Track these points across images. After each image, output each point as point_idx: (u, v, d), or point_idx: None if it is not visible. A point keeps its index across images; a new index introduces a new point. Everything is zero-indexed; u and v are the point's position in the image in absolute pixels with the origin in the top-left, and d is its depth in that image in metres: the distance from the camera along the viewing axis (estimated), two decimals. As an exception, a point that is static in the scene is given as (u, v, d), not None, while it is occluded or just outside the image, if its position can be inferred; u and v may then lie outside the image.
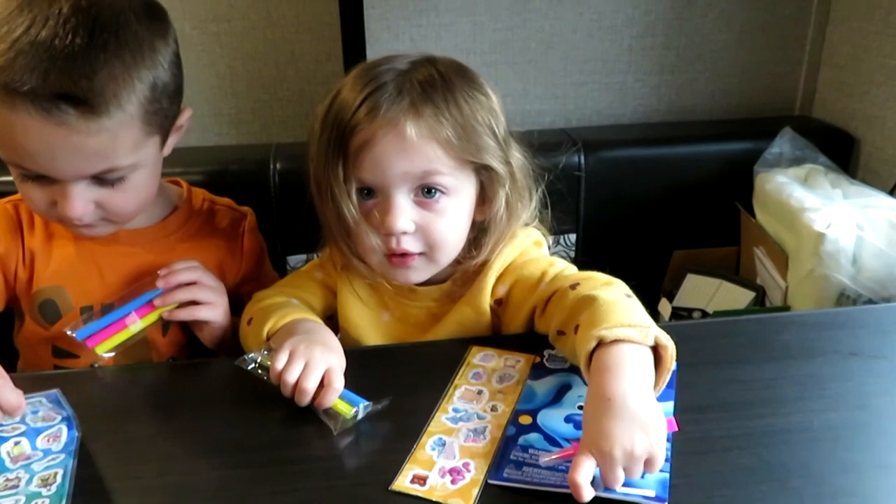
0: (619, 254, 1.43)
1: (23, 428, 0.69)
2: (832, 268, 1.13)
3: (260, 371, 0.76)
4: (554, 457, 0.64)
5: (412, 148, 0.77)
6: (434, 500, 0.62)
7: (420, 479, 0.65)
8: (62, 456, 0.69)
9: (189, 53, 1.52)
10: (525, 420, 0.70)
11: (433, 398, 0.75)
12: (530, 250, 0.90)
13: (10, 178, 0.84)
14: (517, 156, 0.86)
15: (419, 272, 0.85)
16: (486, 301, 0.87)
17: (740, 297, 1.30)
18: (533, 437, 0.68)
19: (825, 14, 1.49)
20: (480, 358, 0.83)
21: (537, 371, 0.79)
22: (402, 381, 0.83)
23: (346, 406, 0.71)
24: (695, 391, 0.75)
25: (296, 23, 1.51)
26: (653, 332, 0.68)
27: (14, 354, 1.00)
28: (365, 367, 0.85)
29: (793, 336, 0.88)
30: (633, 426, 0.60)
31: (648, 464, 0.60)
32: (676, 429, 0.66)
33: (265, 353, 0.77)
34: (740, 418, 0.72)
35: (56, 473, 0.68)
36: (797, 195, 1.23)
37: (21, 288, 0.93)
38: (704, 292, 1.34)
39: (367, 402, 0.72)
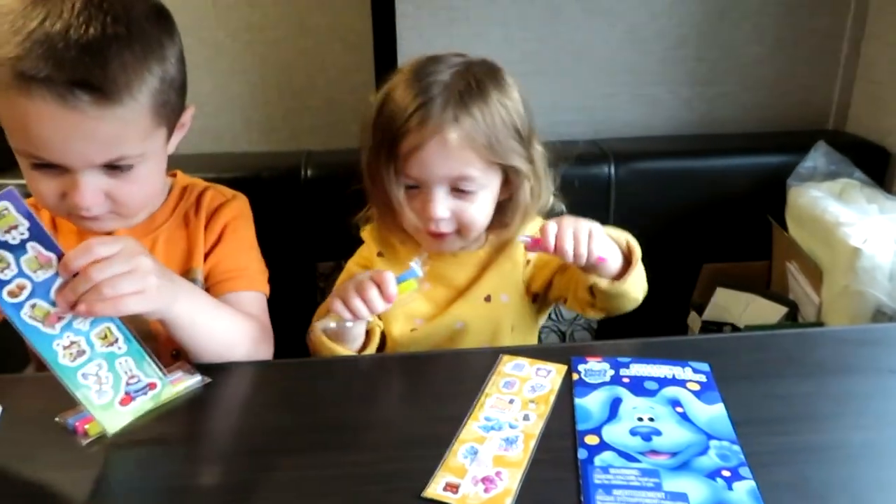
0: (648, 266, 1.41)
1: (28, 285, 0.68)
2: (868, 283, 1.11)
3: (331, 324, 0.88)
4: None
5: (452, 154, 0.93)
6: (468, 508, 0.62)
7: (452, 487, 0.64)
8: None
9: (221, 62, 1.53)
10: (592, 440, 0.70)
11: (463, 406, 0.75)
12: None
13: (16, 181, 0.85)
14: (538, 148, 1.02)
15: (451, 244, 1.03)
16: (522, 255, 1.05)
17: (772, 312, 1.28)
18: (608, 455, 0.68)
19: (860, 29, 1.47)
20: (511, 367, 0.82)
21: (580, 388, 0.78)
22: (433, 388, 0.83)
23: (407, 284, 0.86)
24: (731, 405, 0.75)
25: (327, 32, 1.52)
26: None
27: (25, 359, 1.01)
28: (395, 375, 0.86)
29: (829, 352, 0.87)
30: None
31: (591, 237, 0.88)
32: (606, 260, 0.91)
33: (329, 319, 0.88)
34: (778, 434, 0.72)
35: (109, 329, 0.72)
36: (832, 210, 1.21)
37: None
38: (735, 307, 1.32)
39: (416, 262, 0.87)
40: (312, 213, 1.28)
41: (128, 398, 0.73)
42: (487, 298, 1.03)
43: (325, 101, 1.57)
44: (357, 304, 0.85)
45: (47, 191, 0.82)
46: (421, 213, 0.97)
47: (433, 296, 1.05)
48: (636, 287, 0.98)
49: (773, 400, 0.77)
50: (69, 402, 0.74)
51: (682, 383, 0.78)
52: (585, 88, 1.47)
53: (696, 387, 0.78)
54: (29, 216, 0.66)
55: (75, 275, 0.69)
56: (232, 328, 0.87)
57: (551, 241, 0.87)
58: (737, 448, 0.69)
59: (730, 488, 0.64)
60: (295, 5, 1.50)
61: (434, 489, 0.64)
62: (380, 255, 1.07)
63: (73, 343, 0.69)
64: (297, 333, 0.96)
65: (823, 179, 1.30)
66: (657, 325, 1.03)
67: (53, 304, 0.68)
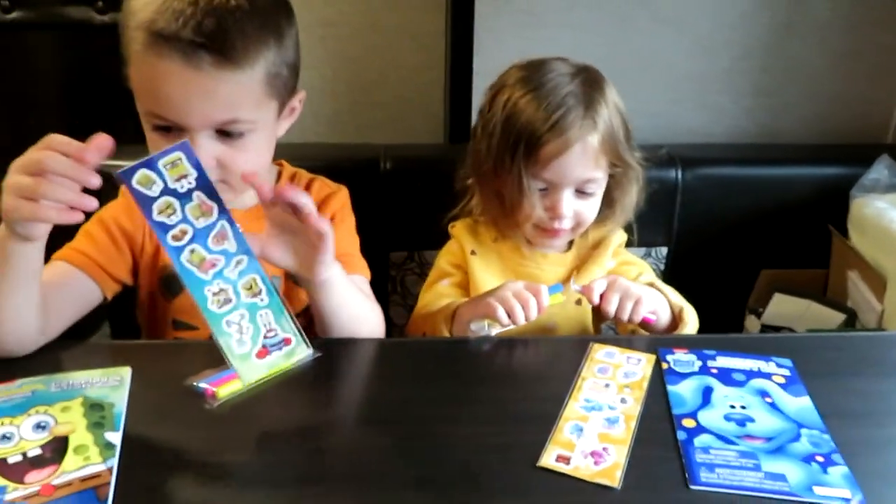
0: (708, 270, 1.46)
1: (189, 231, 0.73)
2: (933, 292, 1.15)
3: (488, 328, 0.94)
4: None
5: (588, 159, 1.01)
6: (581, 478, 0.67)
7: (564, 459, 0.69)
8: (245, 258, 0.76)
9: (296, 54, 1.58)
10: (689, 423, 0.75)
11: (561, 388, 0.80)
12: (624, 250, 1.17)
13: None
14: (636, 152, 1.10)
15: (560, 242, 1.12)
16: (607, 266, 1.12)
17: (830, 318, 1.32)
18: (706, 438, 0.73)
19: (924, 45, 1.50)
20: (603, 354, 0.87)
21: (671, 376, 0.83)
22: (532, 370, 0.89)
23: (554, 297, 0.95)
24: (816, 398, 0.79)
25: (399, 30, 1.56)
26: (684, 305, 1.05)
27: (136, 332, 1.07)
28: (495, 356, 0.91)
29: (902, 353, 0.91)
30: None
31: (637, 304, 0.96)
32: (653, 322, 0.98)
33: (486, 322, 0.94)
34: (864, 426, 0.76)
35: (254, 280, 0.76)
36: (900, 220, 1.24)
37: (146, 262, 1.00)
38: (793, 312, 1.35)
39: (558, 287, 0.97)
40: (388, 204, 1.32)
41: (264, 351, 0.77)
42: (578, 302, 1.08)
43: (393, 97, 1.61)
44: (518, 311, 0.92)
45: None
46: (549, 211, 1.04)
47: None
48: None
49: (855, 395, 0.81)
50: (193, 367, 0.80)
51: (767, 376, 0.83)
52: (652, 94, 1.51)
53: (782, 380, 0.82)
54: (198, 167, 0.71)
55: None
56: (364, 305, 0.93)
57: (595, 299, 0.97)
58: (827, 437, 0.73)
59: (825, 472, 0.68)
60: (369, 3, 1.53)
61: (547, 460, 0.69)
62: (473, 253, 1.12)
63: (221, 290, 0.75)
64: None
65: (886, 191, 1.33)
66: (715, 326, 1.06)
67: (210, 250, 0.73)
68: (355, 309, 0.91)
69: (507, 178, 1.02)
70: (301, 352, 0.80)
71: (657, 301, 1.01)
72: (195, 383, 0.78)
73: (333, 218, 1.03)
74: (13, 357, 0.82)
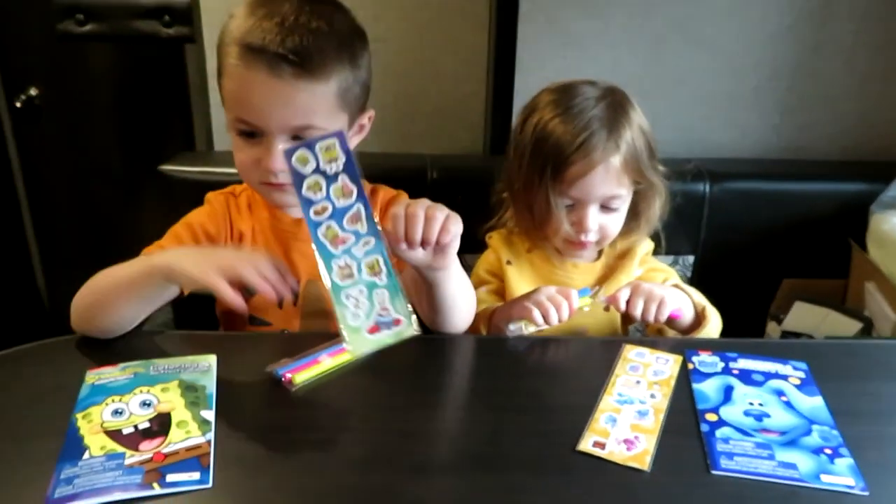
0: (732, 277, 1.54)
1: (329, 208, 0.82)
2: (944, 304, 1.22)
3: (525, 328, 1.02)
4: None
5: (612, 179, 1.10)
6: (615, 461, 0.76)
7: (600, 445, 0.79)
8: (372, 240, 0.83)
9: (348, 68, 1.68)
10: (711, 417, 0.84)
11: (596, 383, 0.90)
12: (651, 257, 1.25)
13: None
14: (660, 167, 1.18)
15: (589, 252, 1.21)
16: (635, 273, 1.20)
17: (848, 326, 1.39)
18: (727, 430, 0.82)
19: (946, 68, 1.56)
20: (635, 354, 0.96)
21: (696, 375, 0.92)
22: (570, 367, 0.99)
23: (583, 300, 1.06)
24: (829, 398, 0.87)
25: (443, 45, 1.64)
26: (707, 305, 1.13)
27: (215, 324, 1.18)
28: (539, 354, 1.01)
29: (913, 360, 1.00)
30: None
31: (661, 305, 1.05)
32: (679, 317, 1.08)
33: (522, 323, 1.02)
34: (871, 424, 0.84)
35: (377, 261, 0.83)
36: (914, 236, 1.32)
37: None
38: (812, 319, 1.43)
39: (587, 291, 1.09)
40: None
41: (375, 328, 0.83)
42: (606, 308, 1.15)
43: (436, 108, 1.69)
44: (552, 313, 1.02)
45: (246, 158, 1.01)
46: (575, 225, 1.12)
47: None
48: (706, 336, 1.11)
49: (865, 396, 0.89)
50: (271, 356, 0.91)
51: (784, 377, 0.91)
52: (684, 111, 1.59)
53: (797, 381, 0.91)
54: (348, 153, 0.80)
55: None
56: (469, 297, 1.02)
57: (622, 306, 1.07)
58: (836, 433, 0.82)
59: (832, 462, 0.77)
60: (416, 21, 1.62)
61: (585, 445, 0.79)
62: (508, 262, 1.21)
63: (346, 265, 0.83)
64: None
65: (904, 208, 1.41)
66: (738, 331, 1.15)
67: (343, 229, 0.82)
68: (469, 290, 1.01)
69: (537, 194, 1.11)
70: (409, 332, 0.84)
71: (681, 299, 1.10)
72: (275, 370, 0.88)
73: None
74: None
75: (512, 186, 1.18)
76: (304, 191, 0.81)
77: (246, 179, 1.07)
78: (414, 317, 0.84)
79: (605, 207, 1.12)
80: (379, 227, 0.83)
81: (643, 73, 1.55)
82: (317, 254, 0.83)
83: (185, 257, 0.88)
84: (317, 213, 0.82)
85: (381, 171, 1.25)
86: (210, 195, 1.14)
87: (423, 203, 0.87)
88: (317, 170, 0.81)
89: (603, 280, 1.19)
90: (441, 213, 0.86)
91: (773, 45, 1.54)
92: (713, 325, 1.12)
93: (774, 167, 1.58)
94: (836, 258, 1.53)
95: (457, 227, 0.87)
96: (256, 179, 1.03)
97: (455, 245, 0.89)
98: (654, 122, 1.57)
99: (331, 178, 0.81)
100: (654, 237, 1.26)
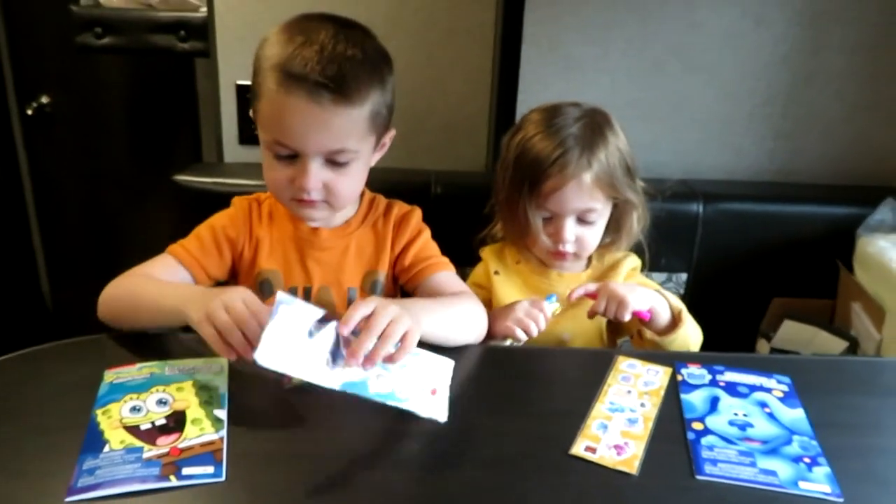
0: (724, 295, 1.58)
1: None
2: (926, 324, 1.27)
3: (512, 345, 1.12)
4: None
5: (584, 193, 1.18)
6: (605, 465, 0.81)
7: (591, 450, 0.83)
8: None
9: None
10: (698, 426, 0.89)
11: (590, 392, 0.94)
12: (638, 273, 1.32)
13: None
14: (639, 182, 1.26)
15: (571, 264, 1.28)
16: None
17: (835, 345, 1.44)
18: (711, 438, 0.86)
19: (934, 97, 1.62)
20: (626, 365, 1.01)
21: (685, 387, 0.97)
22: (565, 376, 1.03)
23: (551, 305, 1.15)
24: (809, 411, 0.92)
25: (450, 64, 1.67)
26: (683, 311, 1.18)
27: None
28: (532, 363, 1.06)
29: (891, 377, 1.05)
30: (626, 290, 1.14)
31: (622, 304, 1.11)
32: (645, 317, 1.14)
33: (508, 341, 1.12)
34: (848, 435, 0.89)
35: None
36: (898, 259, 1.37)
37: (245, 266, 1.17)
38: (801, 338, 1.48)
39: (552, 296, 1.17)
40: (437, 227, 1.47)
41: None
42: (591, 316, 1.19)
43: (441, 124, 1.72)
44: (532, 327, 1.12)
45: (281, 176, 1.05)
46: (552, 237, 1.21)
47: None
48: (683, 344, 1.17)
49: (845, 410, 0.94)
50: None
51: (768, 390, 0.96)
52: (679, 134, 1.64)
53: (780, 394, 0.95)
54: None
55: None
56: (463, 320, 1.06)
57: (577, 295, 1.17)
58: (815, 443, 0.86)
59: (810, 470, 0.81)
60: (424, 40, 1.66)
61: (577, 449, 0.83)
62: (496, 273, 1.29)
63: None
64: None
65: (890, 231, 1.45)
66: (729, 348, 1.18)
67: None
68: (459, 322, 1.05)
69: (517, 206, 1.19)
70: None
71: (650, 300, 1.15)
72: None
73: (417, 228, 1.21)
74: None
75: (498, 198, 1.27)
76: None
77: (277, 196, 1.12)
78: None
79: (582, 220, 1.20)
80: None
81: (641, 98, 1.60)
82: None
83: (191, 304, 0.91)
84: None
85: (387, 185, 1.30)
86: (235, 200, 1.20)
87: (384, 316, 0.85)
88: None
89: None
90: (399, 326, 0.85)
91: (767, 73, 1.60)
92: (690, 330, 1.17)
93: (767, 189, 1.63)
94: (824, 279, 1.58)
95: (410, 341, 0.87)
96: (288, 196, 1.08)
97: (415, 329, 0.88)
98: (652, 144, 1.65)
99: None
100: (641, 254, 1.32)
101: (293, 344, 0.82)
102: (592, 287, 1.17)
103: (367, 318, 0.84)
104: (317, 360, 0.82)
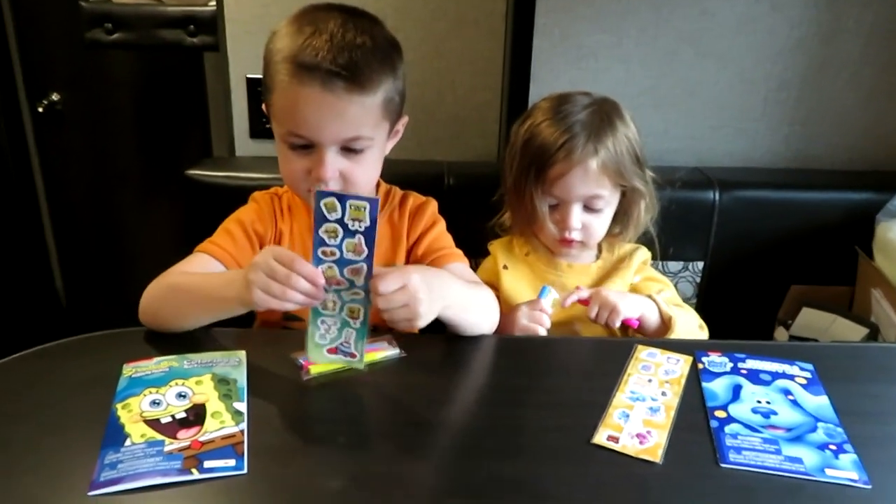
0: (741, 284, 1.57)
1: (337, 254, 0.87)
2: (948, 311, 1.25)
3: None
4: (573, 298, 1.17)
5: (591, 179, 1.17)
6: (628, 454, 0.80)
7: (614, 439, 0.83)
8: (362, 293, 0.89)
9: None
10: (721, 414, 0.88)
11: (610, 381, 0.94)
12: (649, 267, 1.32)
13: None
14: (648, 172, 1.25)
15: (579, 252, 1.27)
16: (630, 280, 1.27)
17: (854, 332, 1.42)
18: (735, 426, 0.86)
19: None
20: (646, 354, 1.00)
21: (706, 375, 0.96)
22: (585, 366, 1.02)
23: (546, 300, 1.16)
24: (834, 398, 0.91)
25: (459, 55, 1.67)
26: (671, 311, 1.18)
27: (251, 316, 1.22)
28: (550, 353, 1.05)
29: (915, 363, 1.03)
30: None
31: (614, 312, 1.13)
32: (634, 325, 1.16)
33: None
34: (874, 423, 0.88)
35: (359, 309, 0.90)
36: (919, 244, 1.35)
37: None
38: (819, 325, 1.47)
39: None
40: (451, 216, 1.46)
41: (333, 350, 0.92)
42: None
43: (451, 115, 1.72)
44: (540, 330, 1.13)
45: (297, 167, 1.05)
46: (558, 224, 1.21)
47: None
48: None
49: (869, 398, 0.93)
50: (292, 347, 0.96)
51: (791, 377, 0.95)
52: (694, 121, 1.62)
53: (804, 381, 0.94)
54: (373, 222, 0.85)
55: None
56: (483, 305, 1.07)
57: (570, 301, 1.17)
58: (840, 430, 0.85)
59: (836, 457, 0.80)
60: (433, 31, 1.65)
61: (599, 438, 0.83)
62: (505, 267, 1.28)
63: (333, 301, 0.89)
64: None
65: (909, 217, 1.44)
66: (747, 336, 1.17)
67: (342, 275, 0.88)
68: (471, 321, 1.04)
69: (524, 193, 1.20)
70: (358, 366, 0.93)
71: (640, 307, 1.17)
72: (297, 358, 0.95)
73: (433, 218, 1.21)
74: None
75: (506, 185, 1.27)
76: (320, 231, 0.86)
77: (294, 188, 1.13)
78: (366, 358, 0.93)
79: (589, 208, 1.20)
80: (369, 290, 0.89)
81: (655, 85, 1.59)
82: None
83: (237, 281, 0.91)
84: (324, 253, 0.87)
85: (401, 176, 1.30)
86: (257, 195, 1.20)
87: (410, 291, 0.89)
88: (340, 220, 0.86)
89: (598, 282, 1.26)
90: (417, 307, 0.89)
91: (782, 59, 1.58)
92: (681, 332, 1.17)
93: (783, 176, 1.61)
94: (842, 265, 1.56)
95: (421, 320, 0.91)
96: (305, 188, 1.07)
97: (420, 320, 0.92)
98: (666, 131, 1.63)
99: (348, 233, 0.86)
100: (651, 245, 1.32)
101: None
102: (585, 294, 1.17)
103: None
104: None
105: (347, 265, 0.88)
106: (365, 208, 0.84)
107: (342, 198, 0.85)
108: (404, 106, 1.12)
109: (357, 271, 0.88)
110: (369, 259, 0.88)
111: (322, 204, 0.85)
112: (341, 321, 0.91)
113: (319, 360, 0.93)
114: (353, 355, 0.92)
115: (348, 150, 1.04)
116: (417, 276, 0.91)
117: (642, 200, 1.24)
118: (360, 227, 0.85)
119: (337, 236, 0.86)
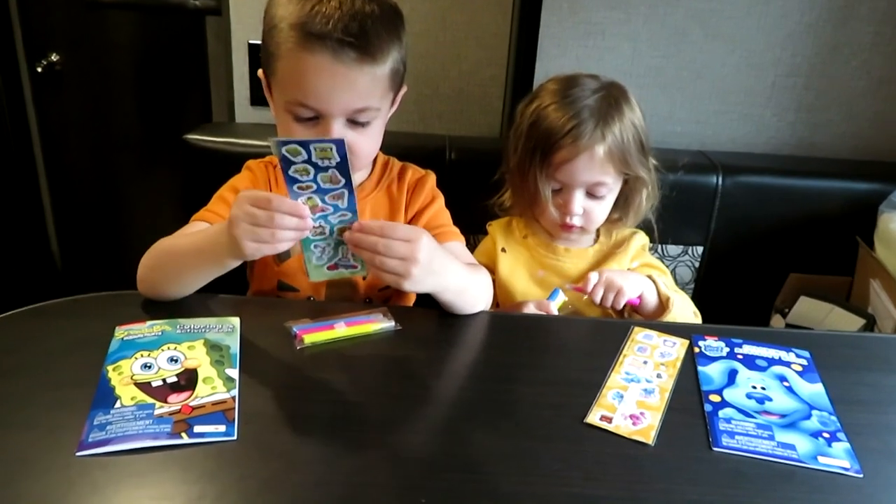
0: (740, 269, 1.56)
1: (313, 187, 0.87)
2: (947, 304, 1.25)
3: None
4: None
5: (596, 166, 1.16)
6: (621, 434, 0.80)
7: (607, 419, 0.82)
8: (349, 214, 0.90)
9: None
10: (715, 398, 0.87)
11: (606, 361, 0.93)
12: (647, 252, 1.31)
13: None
14: (652, 160, 1.24)
15: (578, 237, 1.26)
16: (627, 265, 1.26)
17: (850, 322, 1.42)
18: (729, 411, 0.85)
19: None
20: (642, 336, 0.99)
21: (702, 359, 0.95)
22: (580, 345, 1.02)
23: (555, 302, 1.15)
24: (828, 386, 0.91)
25: (465, 29, 1.65)
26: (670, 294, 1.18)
27: (245, 285, 1.21)
28: (547, 332, 1.05)
29: (912, 354, 1.03)
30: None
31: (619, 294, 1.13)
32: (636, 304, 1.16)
33: None
34: (868, 412, 0.87)
35: (349, 227, 0.91)
36: (920, 236, 1.34)
37: None
38: (816, 314, 1.46)
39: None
40: (452, 191, 1.45)
41: (334, 266, 0.93)
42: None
43: (455, 90, 1.70)
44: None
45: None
46: (560, 208, 1.19)
47: (547, 283, 1.24)
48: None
49: (864, 387, 0.93)
50: (286, 316, 0.96)
51: (787, 364, 0.95)
52: (699, 104, 1.61)
53: (799, 368, 0.94)
54: (343, 158, 0.84)
55: None
56: (479, 290, 1.05)
57: (590, 288, 1.14)
58: (834, 418, 0.85)
59: (829, 445, 0.80)
60: (439, 3, 1.63)
61: (593, 418, 0.82)
62: (503, 250, 1.27)
63: (321, 227, 0.90)
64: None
65: (912, 208, 1.43)
66: (742, 321, 1.17)
67: (324, 202, 0.88)
68: (466, 301, 1.03)
69: (528, 175, 1.18)
70: (361, 273, 0.96)
71: (642, 286, 1.16)
72: (291, 326, 0.94)
73: (431, 194, 1.19)
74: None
75: (509, 166, 1.25)
76: (290, 172, 0.85)
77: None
78: (360, 330, 0.94)
79: (592, 194, 1.19)
80: (357, 209, 0.89)
81: (662, 65, 1.57)
82: None
83: (224, 233, 0.90)
84: (300, 188, 0.87)
85: (402, 149, 1.28)
86: (251, 163, 1.19)
87: (413, 248, 0.89)
88: (307, 161, 0.85)
89: (595, 267, 1.24)
90: (411, 266, 0.89)
91: (792, 43, 1.56)
92: (677, 316, 1.17)
93: (786, 163, 1.60)
94: (842, 255, 1.56)
95: (409, 281, 0.90)
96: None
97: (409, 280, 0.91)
98: (670, 113, 1.62)
99: (320, 169, 0.85)
100: (649, 230, 1.31)
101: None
102: (596, 277, 1.15)
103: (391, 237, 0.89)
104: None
105: (327, 193, 0.88)
106: (331, 148, 0.84)
107: (305, 143, 0.84)
108: (405, 76, 1.10)
109: (338, 196, 0.88)
110: (349, 185, 0.87)
111: (284, 150, 0.83)
112: (335, 241, 0.92)
113: (322, 278, 0.95)
114: (353, 266, 0.94)
115: (354, 121, 1.01)
116: (427, 240, 0.91)
117: (644, 189, 1.23)
118: (330, 163, 0.85)
119: (308, 174, 0.86)
